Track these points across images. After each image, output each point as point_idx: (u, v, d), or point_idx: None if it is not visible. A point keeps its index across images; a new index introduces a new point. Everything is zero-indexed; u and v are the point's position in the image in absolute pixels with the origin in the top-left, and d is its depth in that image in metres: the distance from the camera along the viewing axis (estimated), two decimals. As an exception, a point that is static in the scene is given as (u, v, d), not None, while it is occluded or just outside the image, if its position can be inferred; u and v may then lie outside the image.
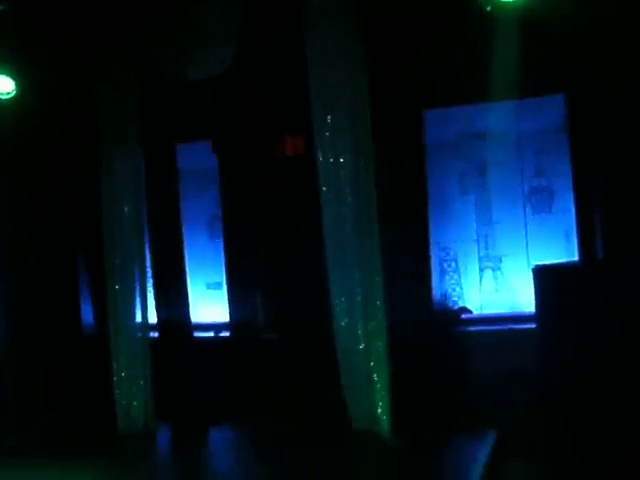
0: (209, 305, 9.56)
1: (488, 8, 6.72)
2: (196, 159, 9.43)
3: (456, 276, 8.66)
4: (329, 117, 7.44)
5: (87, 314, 9.72)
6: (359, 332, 7.37)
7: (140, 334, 8.59)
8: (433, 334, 8.02)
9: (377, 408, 7.32)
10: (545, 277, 7.05)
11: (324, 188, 7.47)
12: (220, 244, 9.42)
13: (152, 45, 8.14)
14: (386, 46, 7.64)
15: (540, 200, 8.36)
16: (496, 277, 8.54)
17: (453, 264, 8.67)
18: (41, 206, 9.39)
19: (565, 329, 6.69)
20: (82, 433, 8.48)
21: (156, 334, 8.91)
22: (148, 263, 8.89)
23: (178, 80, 8.19)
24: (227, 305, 9.21)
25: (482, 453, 6.82)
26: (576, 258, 7.78)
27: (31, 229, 9.42)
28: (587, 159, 7.69)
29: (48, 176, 9.30)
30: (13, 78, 7.99)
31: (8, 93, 8.03)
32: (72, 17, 7.85)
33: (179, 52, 8.06)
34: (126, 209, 8.60)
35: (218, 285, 9.61)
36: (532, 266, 7.46)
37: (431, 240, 8.37)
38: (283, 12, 7.62)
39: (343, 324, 7.44)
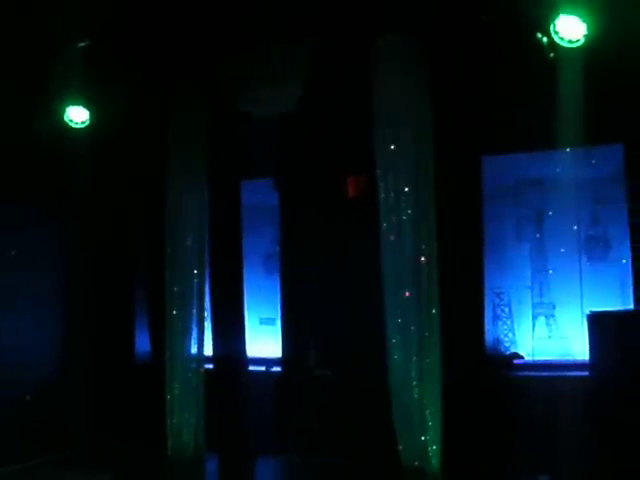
0: (261, 340, 9.66)
1: (551, 55, 6.87)
2: (254, 196, 9.61)
3: (509, 322, 8.67)
4: (392, 157, 7.65)
5: (142, 343, 9.89)
6: (413, 368, 7.46)
7: (195, 365, 8.78)
8: (485, 377, 8.01)
9: (428, 445, 7.37)
10: (600, 323, 7.09)
11: (384, 224, 7.64)
12: (274, 280, 9.56)
13: (221, 83, 8.43)
14: (449, 92, 7.80)
15: (596, 249, 8.37)
16: (549, 324, 8.51)
17: (506, 310, 8.67)
18: (103, 233, 9.58)
19: (618, 375, 6.72)
20: (132, 457, 8.65)
21: (211, 366, 9.06)
22: (207, 296, 9.09)
23: (245, 117, 8.45)
24: (280, 341, 9.30)
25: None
26: (631, 307, 7.78)
27: (90, 256, 9.60)
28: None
29: (112, 204, 9.51)
30: (88, 109, 8.26)
31: (82, 123, 8.30)
32: (147, 54, 8.18)
33: (247, 90, 8.33)
34: (189, 241, 8.86)
35: (271, 321, 9.73)
36: (587, 312, 7.48)
37: (485, 285, 8.42)
38: (350, 54, 7.84)
39: (397, 359, 7.54)
